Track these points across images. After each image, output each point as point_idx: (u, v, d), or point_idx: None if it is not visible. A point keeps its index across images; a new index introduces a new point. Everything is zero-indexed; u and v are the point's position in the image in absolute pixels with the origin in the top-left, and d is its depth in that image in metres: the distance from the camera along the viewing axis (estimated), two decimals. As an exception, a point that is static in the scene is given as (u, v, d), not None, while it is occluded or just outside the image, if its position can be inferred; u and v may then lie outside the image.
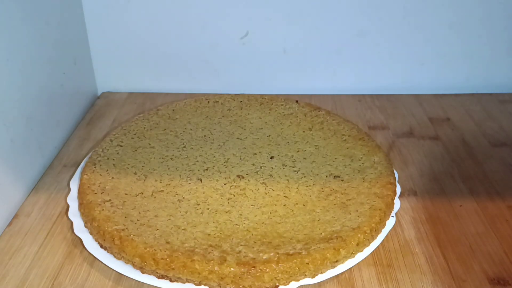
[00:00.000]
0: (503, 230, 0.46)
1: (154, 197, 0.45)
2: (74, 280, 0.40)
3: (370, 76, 0.72)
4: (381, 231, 0.42)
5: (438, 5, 0.67)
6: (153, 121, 0.57)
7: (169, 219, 0.42)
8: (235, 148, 0.52)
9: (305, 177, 0.48)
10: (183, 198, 0.45)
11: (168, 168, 0.49)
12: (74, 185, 0.48)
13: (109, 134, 0.54)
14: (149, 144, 0.53)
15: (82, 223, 0.43)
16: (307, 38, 0.69)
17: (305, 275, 0.38)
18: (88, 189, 0.45)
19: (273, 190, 0.46)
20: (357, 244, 0.40)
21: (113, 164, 0.49)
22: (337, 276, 0.40)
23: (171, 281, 0.38)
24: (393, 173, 0.48)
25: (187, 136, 0.54)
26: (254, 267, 0.37)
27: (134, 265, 0.39)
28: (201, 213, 0.43)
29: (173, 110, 0.59)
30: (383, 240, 0.42)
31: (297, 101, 0.60)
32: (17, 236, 0.45)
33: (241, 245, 0.39)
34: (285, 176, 0.48)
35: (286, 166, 0.49)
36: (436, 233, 0.45)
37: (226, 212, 0.43)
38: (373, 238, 0.42)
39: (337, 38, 0.69)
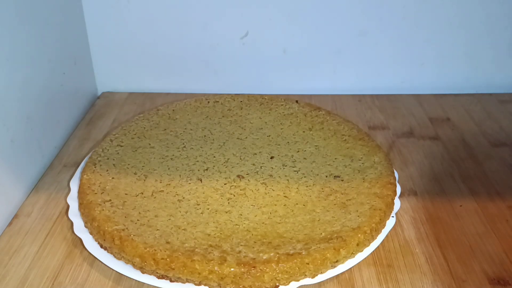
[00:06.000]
0: (503, 230, 0.46)
1: (154, 197, 0.45)
2: (74, 280, 0.40)
3: (370, 76, 0.72)
4: (381, 231, 0.42)
5: (438, 5, 0.67)
6: (153, 121, 0.57)
7: (169, 219, 0.42)
8: (235, 148, 0.52)
9: (305, 177, 0.48)
10: (183, 198, 0.45)
11: (168, 168, 0.49)
12: (74, 185, 0.48)
13: (109, 134, 0.54)
14: (149, 144, 0.53)
15: (82, 223, 0.43)
16: (307, 38, 0.69)
17: (305, 275, 0.38)
18: (88, 189, 0.45)
19: (273, 190, 0.46)
20: (357, 244, 0.40)
21: (113, 164, 0.49)
22: (337, 276, 0.40)
23: (171, 281, 0.38)
24: (393, 173, 0.48)
25: (187, 136, 0.54)
26: (254, 267, 0.37)
27: (134, 265, 0.39)
28: (201, 213, 0.43)
29: (173, 110, 0.59)
30: (383, 240, 0.42)
31: (297, 101, 0.60)
32: (17, 236, 0.45)
33: (241, 245, 0.39)
34: (285, 176, 0.48)
35: (286, 166, 0.49)
36: (436, 233, 0.45)
37: (226, 212, 0.43)
38: (373, 238, 0.42)
39: (337, 38, 0.69)
